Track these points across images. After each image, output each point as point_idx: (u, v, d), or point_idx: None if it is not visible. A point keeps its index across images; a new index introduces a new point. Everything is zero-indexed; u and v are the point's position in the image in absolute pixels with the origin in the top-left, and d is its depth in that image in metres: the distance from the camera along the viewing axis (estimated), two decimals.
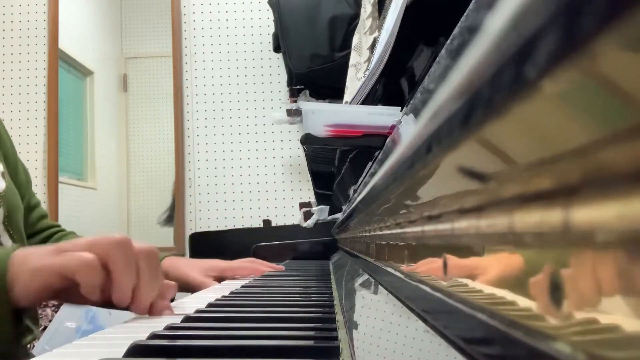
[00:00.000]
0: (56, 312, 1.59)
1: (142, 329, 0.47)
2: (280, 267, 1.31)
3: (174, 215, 2.59)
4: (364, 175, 0.64)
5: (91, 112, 3.14)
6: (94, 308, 1.98)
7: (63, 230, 1.07)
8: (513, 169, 0.16)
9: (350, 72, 1.09)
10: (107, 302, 0.57)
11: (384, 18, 0.70)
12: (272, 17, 2.20)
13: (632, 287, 0.10)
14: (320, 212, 1.85)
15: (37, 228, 1.03)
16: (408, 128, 0.29)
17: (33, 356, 0.41)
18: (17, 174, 0.98)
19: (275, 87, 2.39)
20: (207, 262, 1.13)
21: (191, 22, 2.45)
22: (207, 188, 2.37)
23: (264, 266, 1.23)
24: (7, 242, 0.86)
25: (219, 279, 1.10)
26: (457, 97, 0.18)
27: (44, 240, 1.02)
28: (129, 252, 0.55)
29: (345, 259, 1.14)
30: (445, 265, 0.24)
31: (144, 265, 0.56)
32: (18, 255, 0.56)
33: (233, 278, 1.13)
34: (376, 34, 0.84)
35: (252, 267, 1.18)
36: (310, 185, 2.00)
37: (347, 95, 1.07)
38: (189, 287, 1.03)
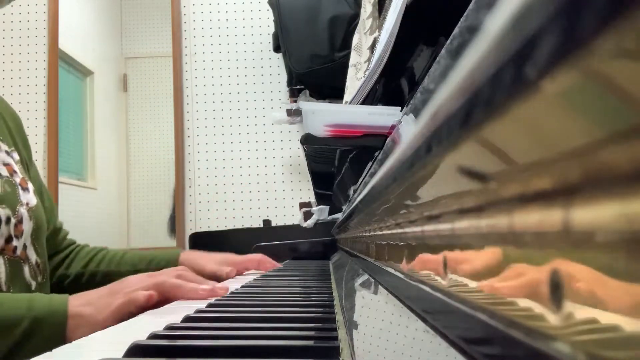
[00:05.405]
0: None
1: (142, 329, 0.47)
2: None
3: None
4: (364, 175, 0.64)
5: (91, 112, 3.14)
6: None
7: (77, 244, 1.20)
8: (513, 169, 0.16)
9: (350, 72, 1.09)
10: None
11: (384, 18, 0.70)
12: (272, 17, 2.20)
13: (632, 287, 0.10)
14: (320, 212, 1.85)
15: (61, 247, 1.15)
16: (408, 128, 0.29)
17: (33, 356, 0.42)
18: (43, 199, 1.06)
19: (275, 87, 2.39)
20: (220, 255, 1.21)
21: (191, 22, 2.45)
22: (207, 188, 2.37)
23: (268, 264, 1.29)
24: (33, 255, 0.95)
25: None
26: (457, 97, 0.18)
27: (65, 258, 1.15)
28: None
29: (345, 259, 1.14)
30: (445, 265, 0.24)
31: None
32: (74, 312, 0.70)
33: (243, 272, 1.23)
34: (376, 34, 0.84)
35: (258, 261, 1.29)
36: (310, 185, 2.00)
37: (347, 95, 1.07)
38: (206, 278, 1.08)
